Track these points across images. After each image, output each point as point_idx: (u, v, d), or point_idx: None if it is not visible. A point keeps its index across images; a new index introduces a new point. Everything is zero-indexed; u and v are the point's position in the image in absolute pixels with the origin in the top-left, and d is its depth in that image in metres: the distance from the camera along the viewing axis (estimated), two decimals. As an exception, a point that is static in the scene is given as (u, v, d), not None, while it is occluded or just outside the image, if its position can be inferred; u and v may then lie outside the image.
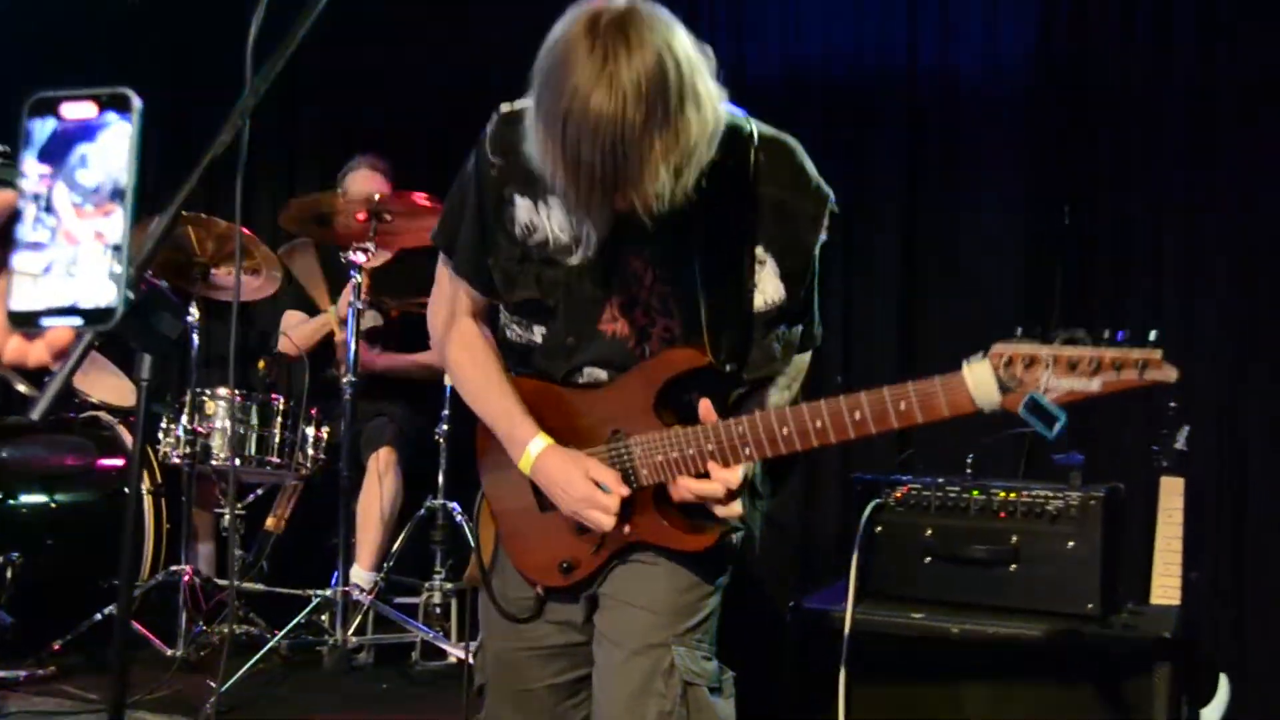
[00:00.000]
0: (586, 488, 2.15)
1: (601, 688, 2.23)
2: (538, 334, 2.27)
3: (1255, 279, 4.31)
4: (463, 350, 2.31)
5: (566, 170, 1.91)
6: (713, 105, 1.94)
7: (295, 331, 4.44)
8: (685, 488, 2.10)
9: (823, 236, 2.21)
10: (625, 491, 2.14)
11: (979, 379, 1.95)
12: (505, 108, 2.18)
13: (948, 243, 4.71)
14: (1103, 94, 4.56)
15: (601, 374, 2.24)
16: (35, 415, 1.55)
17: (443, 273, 2.33)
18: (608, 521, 2.14)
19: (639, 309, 2.21)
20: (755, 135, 2.15)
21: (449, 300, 2.32)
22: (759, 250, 2.19)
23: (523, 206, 2.19)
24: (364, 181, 4.58)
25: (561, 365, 2.25)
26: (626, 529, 2.18)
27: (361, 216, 4.00)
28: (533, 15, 2.08)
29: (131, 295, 1.36)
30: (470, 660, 2.43)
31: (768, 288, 2.21)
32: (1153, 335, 1.91)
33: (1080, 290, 4.47)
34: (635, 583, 2.23)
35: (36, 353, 0.95)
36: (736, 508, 2.12)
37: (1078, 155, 4.59)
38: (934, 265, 4.72)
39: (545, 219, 2.18)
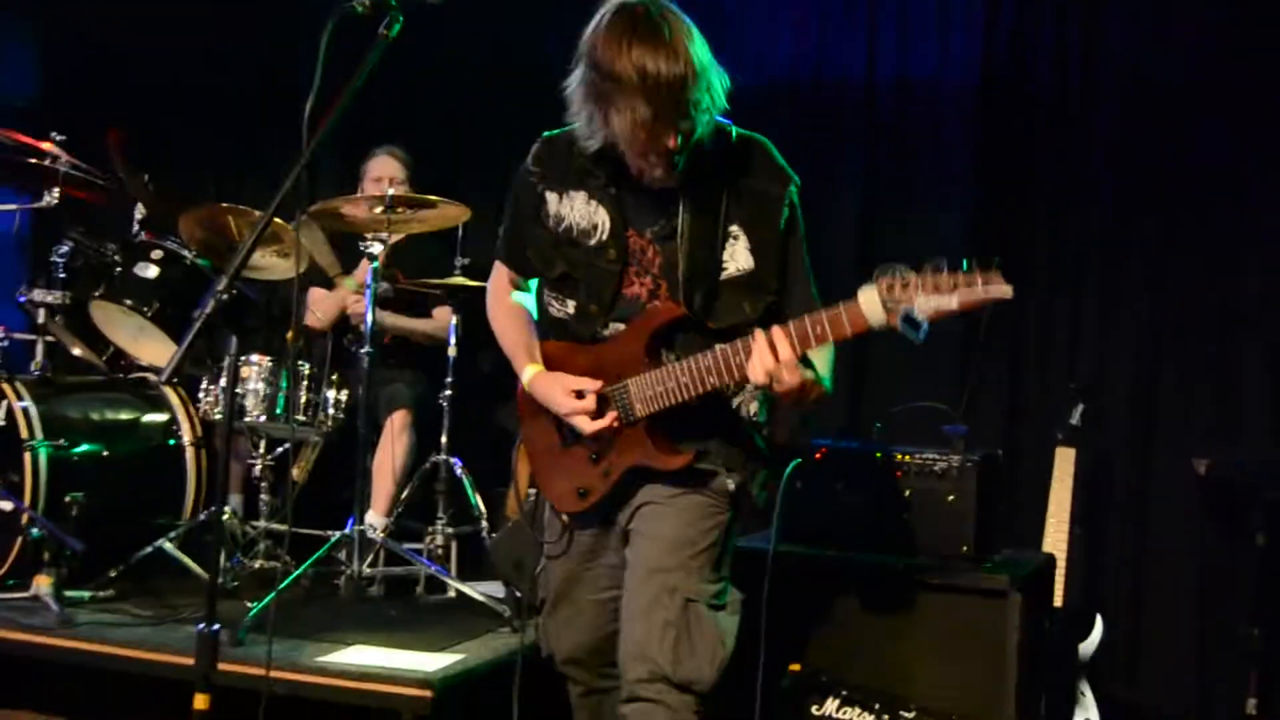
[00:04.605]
0: (567, 400, 2.86)
1: (624, 603, 2.92)
2: (570, 306, 2.96)
3: (1168, 277, 5.26)
4: (503, 314, 3.14)
5: (629, 119, 2.60)
6: (722, 81, 2.70)
7: (319, 307, 5.41)
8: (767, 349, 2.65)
9: (787, 213, 2.85)
10: (596, 385, 2.84)
11: (869, 301, 2.50)
12: (547, 135, 2.99)
13: (900, 244, 5.50)
14: (1039, 105, 5.46)
15: (623, 327, 2.91)
16: (163, 379, 2.50)
17: (497, 265, 3.17)
18: (586, 422, 2.83)
19: (647, 275, 2.88)
20: (734, 134, 2.88)
21: (500, 283, 3.15)
22: (733, 228, 2.83)
23: (552, 200, 2.93)
24: (381, 167, 5.49)
25: (590, 327, 2.92)
26: (624, 455, 2.85)
27: (376, 210, 4.78)
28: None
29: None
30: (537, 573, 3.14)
31: (740, 258, 2.84)
32: (997, 261, 2.42)
33: (1017, 281, 5.46)
34: (652, 520, 2.88)
35: None
36: (790, 375, 2.63)
37: (1016, 161, 5.48)
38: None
39: (570, 209, 2.91)
